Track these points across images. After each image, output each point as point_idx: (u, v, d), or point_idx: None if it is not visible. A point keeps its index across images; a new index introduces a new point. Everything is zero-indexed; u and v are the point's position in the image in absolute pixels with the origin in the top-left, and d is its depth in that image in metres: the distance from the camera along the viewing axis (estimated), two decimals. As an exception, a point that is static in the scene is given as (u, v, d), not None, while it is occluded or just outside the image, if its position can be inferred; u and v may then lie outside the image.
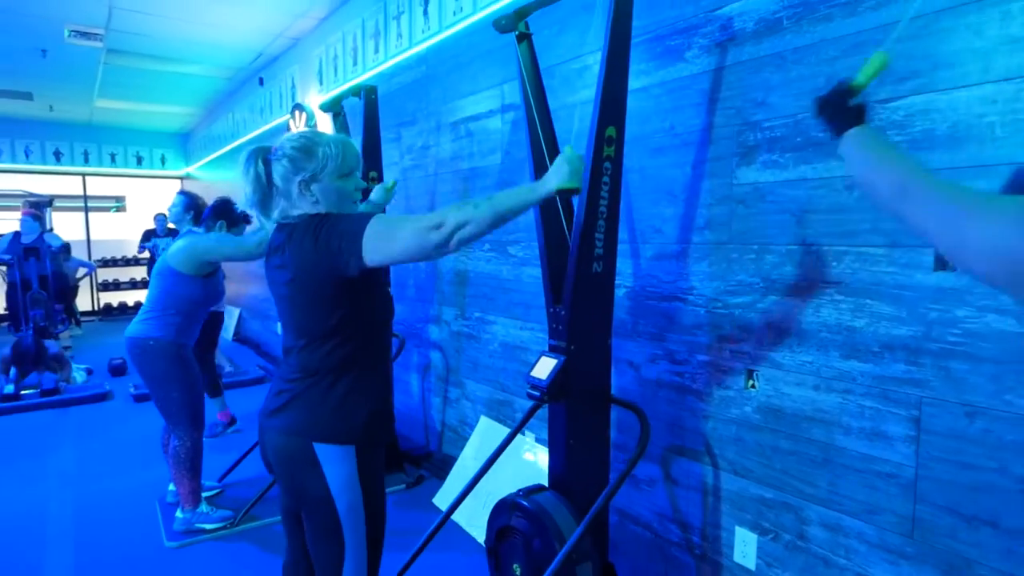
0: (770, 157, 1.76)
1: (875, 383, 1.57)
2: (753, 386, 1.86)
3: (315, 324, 1.40)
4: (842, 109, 0.99)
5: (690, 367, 2.05)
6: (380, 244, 1.29)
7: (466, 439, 3.13)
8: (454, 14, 3.10)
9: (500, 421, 2.95)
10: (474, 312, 3.12)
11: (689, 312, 2.04)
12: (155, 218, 7.58)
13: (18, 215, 6.91)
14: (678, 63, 2.01)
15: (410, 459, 3.45)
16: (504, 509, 1.96)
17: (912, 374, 1.50)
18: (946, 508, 1.46)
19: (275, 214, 1.45)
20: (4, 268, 7.08)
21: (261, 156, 1.42)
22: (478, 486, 2.66)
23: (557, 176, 1.40)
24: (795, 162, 1.71)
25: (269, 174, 1.41)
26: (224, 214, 2.82)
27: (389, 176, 3.76)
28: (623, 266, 2.26)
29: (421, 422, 3.67)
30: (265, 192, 1.43)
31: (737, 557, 1.94)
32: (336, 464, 1.38)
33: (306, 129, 1.65)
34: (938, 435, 1.47)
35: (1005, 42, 1.31)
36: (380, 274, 1.46)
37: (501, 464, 2.75)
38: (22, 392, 4.75)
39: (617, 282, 2.25)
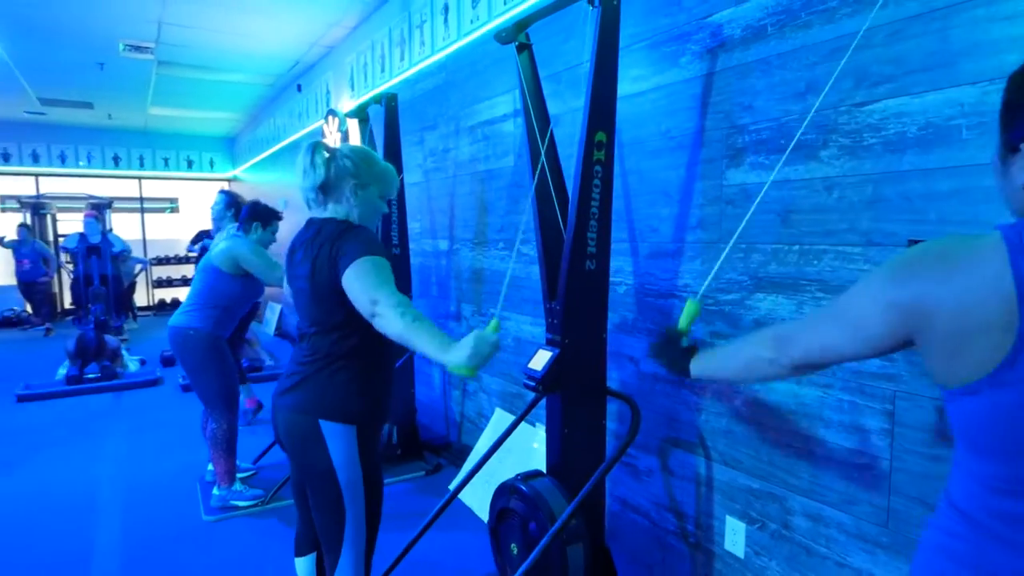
0: (756, 159, 1.83)
1: (852, 378, 1.62)
2: (742, 380, 1.93)
3: (325, 316, 1.55)
4: (678, 352, 1.17)
5: (685, 362, 2.12)
6: (352, 280, 1.44)
7: (483, 430, 3.26)
8: (471, 22, 3.23)
9: (513, 413, 3.07)
10: (490, 308, 3.25)
11: (683, 308, 2.11)
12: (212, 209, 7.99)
13: (81, 216, 7.45)
14: (672, 69, 2.08)
15: (431, 448, 3.60)
16: (504, 492, 2.08)
17: (886, 369, 1.55)
18: (918, 499, 1.51)
19: (319, 200, 1.60)
20: (70, 266, 7.64)
21: (325, 148, 1.59)
22: (490, 473, 2.80)
23: (459, 354, 1.31)
24: (779, 164, 1.76)
25: (328, 166, 1.57)
26: (257, 216, 3.02)
27: (410, 178, 3.93)
28: (624, 264, 2.34)
29: (442, 413, 3.82)
30: (321, 180, 1.57)
31: (728, 545, 2.01)
32: (339, 441, 1.53)
33: (347, 143, 1.81)
34: (911, 428, 1.51)
35: (969, 47, 1.35)
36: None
37: (514, 454, 2.88)
38: (84, 376, 5.18)
39: (618, 279, 2.35)
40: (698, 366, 1.15)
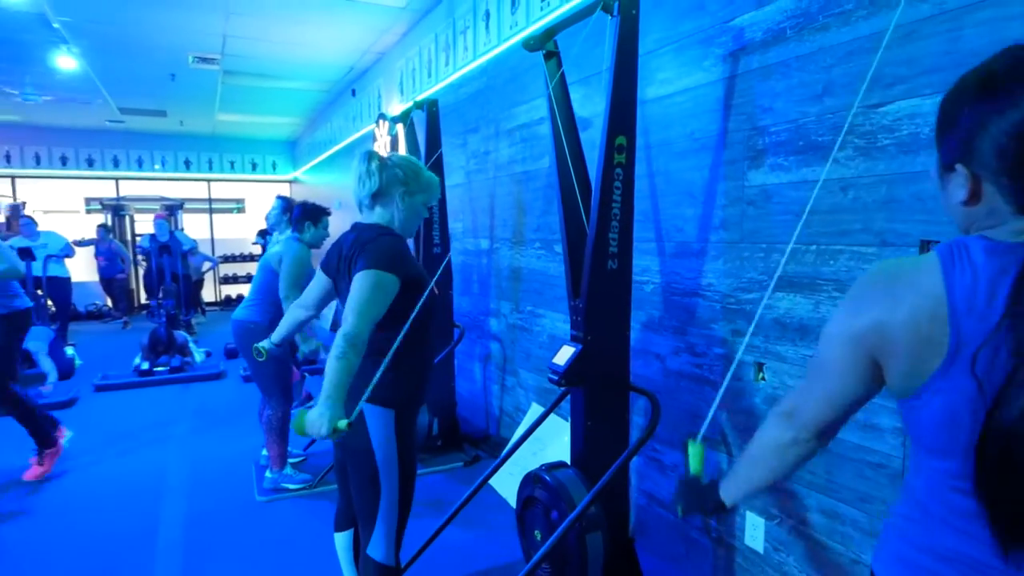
0: (776, 160, 1.85)
1: (868, 376, 1.63)
2: (763, 378, 1.95)
3: None
4: (703, 495, 1.07)
5: (707, 359, 2.16)
6: (354, 284, 1.55)
7: (519, 423, 3.36)
8: (510, 28, 3.33)
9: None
10: (527, 306, 3.35)
11: (707, 307, 2.15)
12: (268, 216, 8.45)
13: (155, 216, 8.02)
14: (697, 72, 2.13)
15: (470, 441, 3.73)
16: (529, 482, 2.18)
17: (901, 368, 1.56)
18: (932, 498, 1.51)
19: (370, 204, 1.74)
20: (144, 264, 8.23)
21: (379, 157, 1.74)
22: (525, 465, 2.90)
23: (311, 412, 1.39)
24: (797, 165, 1.79)
25: (382, 174, 1.71)
26: (307, 215, 3.22)
27: (454, 179, 4.07)
28: (651, 263, 2.40)
29: (482, 407, 3.95)
30: (376, 187, 1.70)
31: (748, 540, 2.04)
32: (378, 423, 1.65)
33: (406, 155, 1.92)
34: (924, 427, 1.52)
35: (980, 47, 1.35)
36: (423, 279, 1.71)
37: (548, 447, 2.97)
38: (155, 369, 5.58)
39: (645, 279, 2.41)
40: (728, 490, 1.05)
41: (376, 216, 1.74)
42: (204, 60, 5.70)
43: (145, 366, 5.55)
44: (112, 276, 8.55)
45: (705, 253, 2.14)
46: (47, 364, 5.17)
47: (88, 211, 10.00)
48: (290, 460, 3.35)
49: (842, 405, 0.85)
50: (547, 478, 2.09)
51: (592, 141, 2.32)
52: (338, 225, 3.39)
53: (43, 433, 3.41)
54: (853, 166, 1.63)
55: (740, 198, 1.99)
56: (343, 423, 1.38)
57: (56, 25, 4.81)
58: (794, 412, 0.91)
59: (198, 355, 6.10)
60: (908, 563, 0.81)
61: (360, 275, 1.55)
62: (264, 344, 2.15)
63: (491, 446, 3.67)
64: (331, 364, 1.42)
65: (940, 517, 0.77)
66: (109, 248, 8.41)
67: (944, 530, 0.77)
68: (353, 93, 6.67)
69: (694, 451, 1.16)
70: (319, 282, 1.88)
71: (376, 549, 1.70)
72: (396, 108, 5.26)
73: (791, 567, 1.90)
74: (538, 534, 2.12)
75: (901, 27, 1.50)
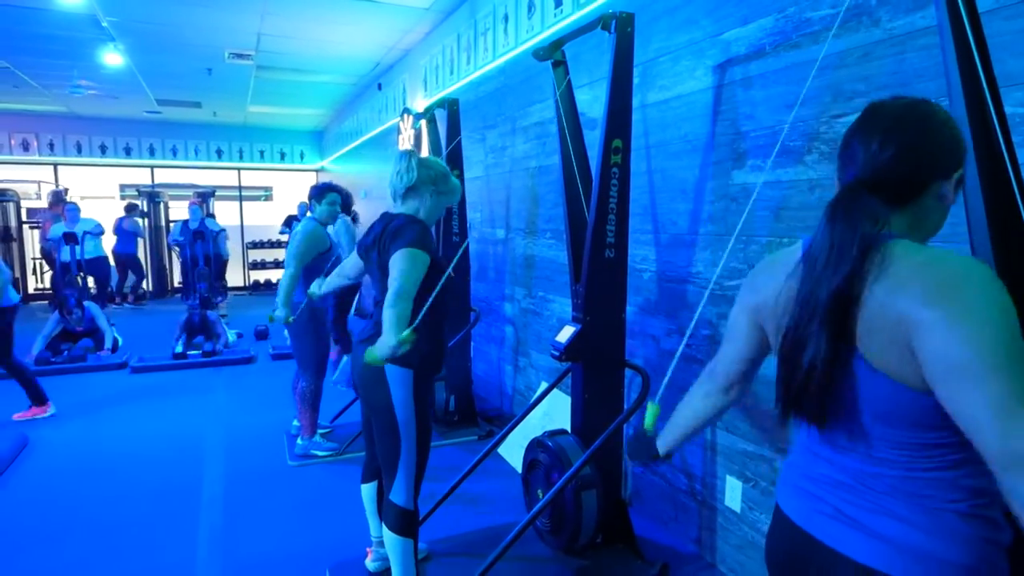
0: (755, 162, 2.07)
1: (828, 354, 1.86)
2: (742, 357, 2.18)
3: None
4: (644, 445, 1.28)
5: (695, 340, 2.39)
6: (395, 259, 1.84)
7: (530, 401, 3.62)
8: (527, 32, 3.56)
9: (558, 386, 3.41)
10: (538, 292, 3.60)
11: (696, 293, 2.38)
12: (299, 206, 8.82)
13: (187, 203, 8.41)
14: (690, 80, 2.34)
15: (485, 417, 4.01)
16: (533, 447, 2.44)
17: (855, 347, 1.78)
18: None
19: (402, 195, 2.01)
20: (177, 248, 8.63)
21: (417, 157, 2.01)
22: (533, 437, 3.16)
23: (380, 343, 1.73)
24: (773, 166, 2.01)
25: (419, 172, 1.97)
26: (315, 195, 3.50)
27: (472, 172, 4.32)
28: (649, 253, 2.63)
29: (497, 386, 4.22)
30: (412, 182, 1.97)
31: (727, 502, 2.28)
32: (398, 383, 1.91)
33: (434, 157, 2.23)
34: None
35: (920, 69, 1.56)
36: (440, 260, 1.97)
37: (556, 421, 3.23)
38: (188, 353, 5.82)
39: (643, 267, 2.64)
40: (665, 440, 1.25)
41: (406, 207, 2.00)
42: (239, 56, 6.02)
43: (179, 349, 5.80)
44: (125, 252, 8.96)
45: (695, 244, 2.37)
46: (110, 331, 5.86)
47: (123, 197, 10.46)
48: (319, 430, 3.66)
49: (742, 361, 1.09)
50: (549, 443, 2.35)
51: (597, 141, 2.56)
52: (365, 215, 3.66)
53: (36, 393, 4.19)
54: (819, 168, 1.85)
55: (725, 195, 2.21)
56: (406, 333, 1.69)
57: (105, 24, 5.15)
58: (711, 369, 1.16)
59: (230, 335, 6.44)
60: (796, 487, 1.01)
61: (402, 251, 1.83)
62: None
63: (504, 422, 3.94)
64: (387, 312, 1.75)
65: (805, 446, 1.00)
66: (127, 228, 8.85)
67: (810, 458, 0.98)
68: (379, 87, 6.94)
69: (651, 410, 1.30)
70: (355, 258, 2.16)
71: (397, 494, 1.97)
72: (420, 103, 5.52)
73: (763, 523, 2.14)
74: (540, 493, 2.39)
75: (859, 48, 1.71)
